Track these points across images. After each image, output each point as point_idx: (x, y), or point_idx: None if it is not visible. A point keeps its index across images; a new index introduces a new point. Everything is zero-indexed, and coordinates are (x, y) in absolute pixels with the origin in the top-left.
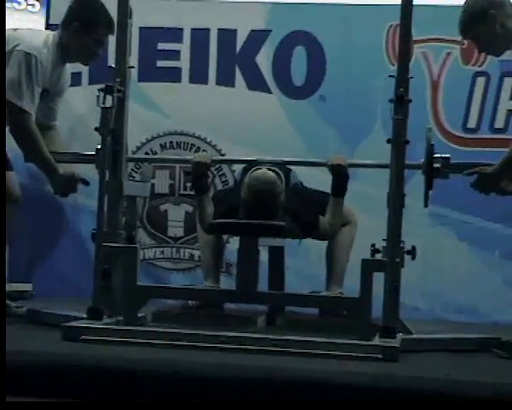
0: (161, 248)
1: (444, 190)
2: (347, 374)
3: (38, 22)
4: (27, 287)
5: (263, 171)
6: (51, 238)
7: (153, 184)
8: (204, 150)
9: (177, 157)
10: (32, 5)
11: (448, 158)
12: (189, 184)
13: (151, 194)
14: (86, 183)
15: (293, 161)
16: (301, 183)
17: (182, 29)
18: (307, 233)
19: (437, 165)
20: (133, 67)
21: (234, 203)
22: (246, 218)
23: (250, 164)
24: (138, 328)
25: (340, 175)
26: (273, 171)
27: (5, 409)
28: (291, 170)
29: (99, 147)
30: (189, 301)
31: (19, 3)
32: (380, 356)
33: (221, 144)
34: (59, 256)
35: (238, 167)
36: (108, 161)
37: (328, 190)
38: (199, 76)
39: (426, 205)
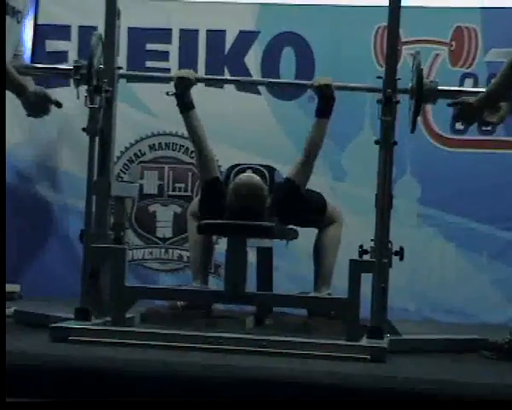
0: (150, 249)
1: (432, 192)
2: (335, 375)
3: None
4: (15, 288)
5: (247, 175)
6: (39, 239)
7: (141, 185)
8: (192, 151)
9: (158, 74)
10: None
11: (436, 83)
12: (177, 185)
13: (140, 194)
14: (59, 105)
15: (275, 81)
16: None
17: (170, 30)
18: (295, 202)
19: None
20: (121, 68)
21: (220, 204)
22: None
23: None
24: (126, 329)
25: (327, 96)
26: (258, 171)
27: (5, 409)
28: (275, 169)
29: (75, 63)
30: (178, 302)
31: None
32: (367, 357)
33: (209, 145)
34: (47, 257)
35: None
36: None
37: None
38: None
39: (413, 130)
